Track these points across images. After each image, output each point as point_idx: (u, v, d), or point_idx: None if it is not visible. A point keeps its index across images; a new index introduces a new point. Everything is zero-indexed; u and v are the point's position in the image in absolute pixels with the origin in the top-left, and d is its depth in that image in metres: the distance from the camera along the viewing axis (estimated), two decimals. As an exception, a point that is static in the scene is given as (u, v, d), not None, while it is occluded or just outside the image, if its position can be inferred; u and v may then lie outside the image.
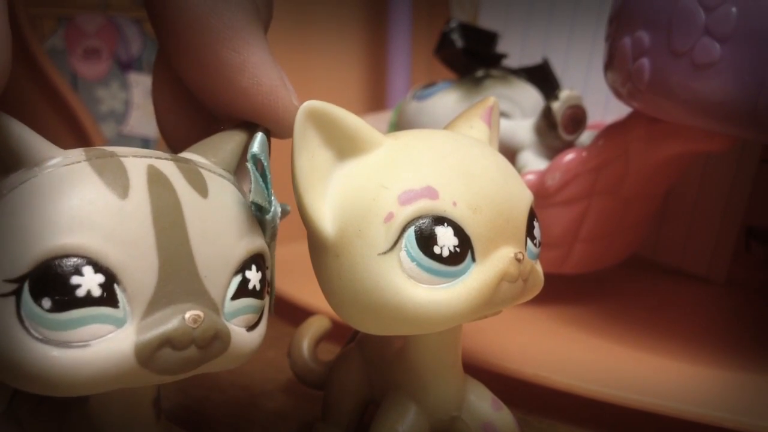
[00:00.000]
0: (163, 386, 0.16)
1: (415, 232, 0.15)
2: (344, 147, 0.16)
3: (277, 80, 0.17)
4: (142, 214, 0.13)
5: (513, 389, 0.23)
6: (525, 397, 0.25)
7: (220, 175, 0.15)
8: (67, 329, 0.12)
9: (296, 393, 0.26)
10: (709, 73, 0.22)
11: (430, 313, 0.16)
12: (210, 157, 0.16)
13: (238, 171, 0.17)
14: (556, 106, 0.30)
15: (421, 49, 0.47)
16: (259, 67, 0.17)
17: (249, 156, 0.16)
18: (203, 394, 0.26)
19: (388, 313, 0.16)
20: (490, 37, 0.36)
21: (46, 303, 0.12)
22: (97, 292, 0.12)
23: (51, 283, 0.12)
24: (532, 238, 0.18)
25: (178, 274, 0.13)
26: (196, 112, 0.19)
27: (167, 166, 0.14)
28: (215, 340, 0.14)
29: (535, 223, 0.18)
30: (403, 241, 0.15)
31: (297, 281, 0.29)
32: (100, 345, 0.12)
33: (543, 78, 0.36)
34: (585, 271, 0.32)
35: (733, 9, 0.21)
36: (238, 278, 0.14)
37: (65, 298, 0.12)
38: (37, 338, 0.12)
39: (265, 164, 0.16)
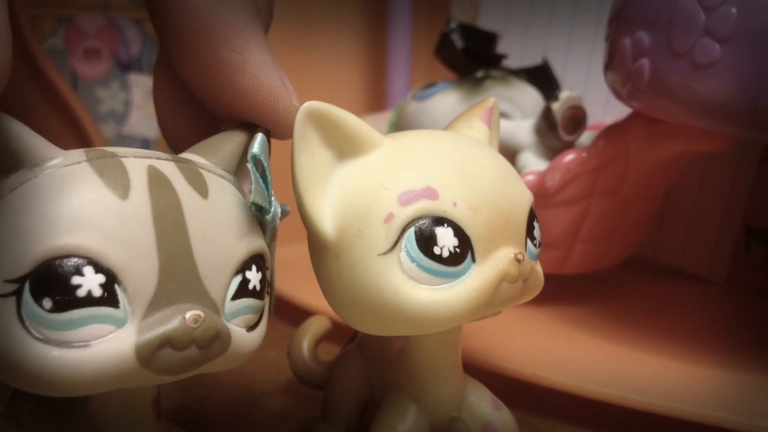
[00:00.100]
0: (163, 386, 0.16)
1: (415, 232, 0.15)
2: (344, 147, 0.16)
3: (277, 81, 0.17)
4: (143, 214, 0.13)
5: (513, 389, 0.23)
6: (525, 397, 0.25)
7: (221, 176, 0.15)
8: (67, 329, 0.12)
9: (296, 393, 0.26)
10: (709, 74, 0.22)
11: (430, 313, 0.16)
12: (210, 157, 0.16)
13: (238, 171, 0.17)
14: (556, 106, 0.30)
15: (421, 49, 0.47)
16: (260, 67, 0.17)
17: (249, 156, 0.16)
18: (203, 394, 0.26)
19: (388, 313, 0.16)
20: (490, 38, 0.36)
21: (47, 303, 0.12)
22: (97, 292, 0.12)
23: (52, 283, 0.12)
24: (532, 238, 0.18)
25: (178, 275, 0.13)
26: (197, 113, 0.19)
27: (167, 167, 0.14)
28: (216, 341, 0.14)
29: (535, 224, 0.18)
30: (403, 242, 0.15)
31: (297, 281, 0.29)
32: (101, 345, 0.12)
33: (543, 78, 0.36)
34: (585, 271, 0.32)
35: (733, 9, 0.21)
36: (239, 278, 0.14)
37: (66, 298, 0.12)
38: (37, 338, 0.12)
39: (266, 165, 0.16)
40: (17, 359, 0.12)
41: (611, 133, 0.28)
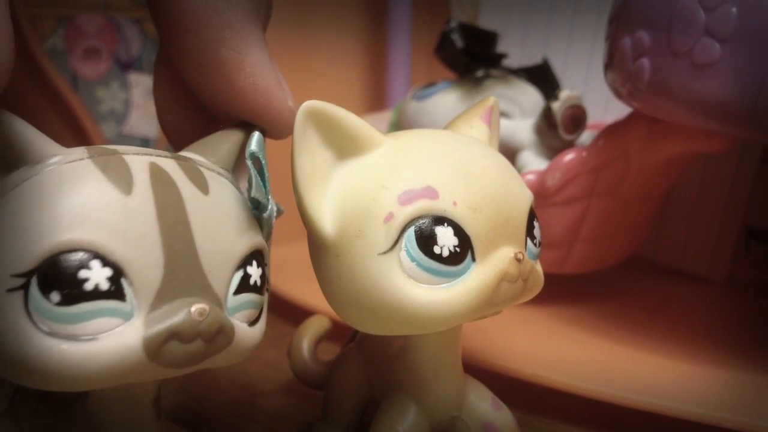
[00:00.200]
0: (163, 386, 0.17)
1: (415, 232, 0.15)
2: (344, 147, 0.16)
3: (273, 81, 0.17)
4: (147, 210, 0.13)
5: (513, 389, 0.23)
6: (525, 397, 0.25)
7: (219, 173, 0.16)
8: (75, 323, 0.12)
9: (296, 393, 0.26)
10: (709, 73, 0.22)
11: (430, 313, 0.16)
12: (208, 155, 0.16)
13: (235, 169, 0.17)
14: (556, 106, 0.30)
15: (421, 49, 0.47)
16: (257, 66, 0.17)
17: (248, 154, 0.16)
18: (203, 393, 0.26)
19: (388, 313, 0.16)
20: (490, 37, 0.36)
21: (55, 296, 0.12)
22: (104, 285, 0.12)
23: (60, 276, 0.12)
24: (532, 238, 0.18)
25: (182, 269, 0.13)
26: (196, 111, 0.19)
27: (168, 164, 0.14)
28: (220, 334, 0.14)
29: (535, 223, 0.18)
30: (403, 241, 0.15)
31: (297, 281, 0.29)
32: (109, 338, 0.13)
33: (543, 78, 0.36)
34: (585, 271, 0.32)
35: (733, 9, 0.21)
36: (240, 274, 0.15)
37: (74, 291, 0.12)
38: (45, 332, 0.12)
39: (263, 162, 0.16)
40: (25, 353, 0.12)
41: (611, 132, 0.28)
